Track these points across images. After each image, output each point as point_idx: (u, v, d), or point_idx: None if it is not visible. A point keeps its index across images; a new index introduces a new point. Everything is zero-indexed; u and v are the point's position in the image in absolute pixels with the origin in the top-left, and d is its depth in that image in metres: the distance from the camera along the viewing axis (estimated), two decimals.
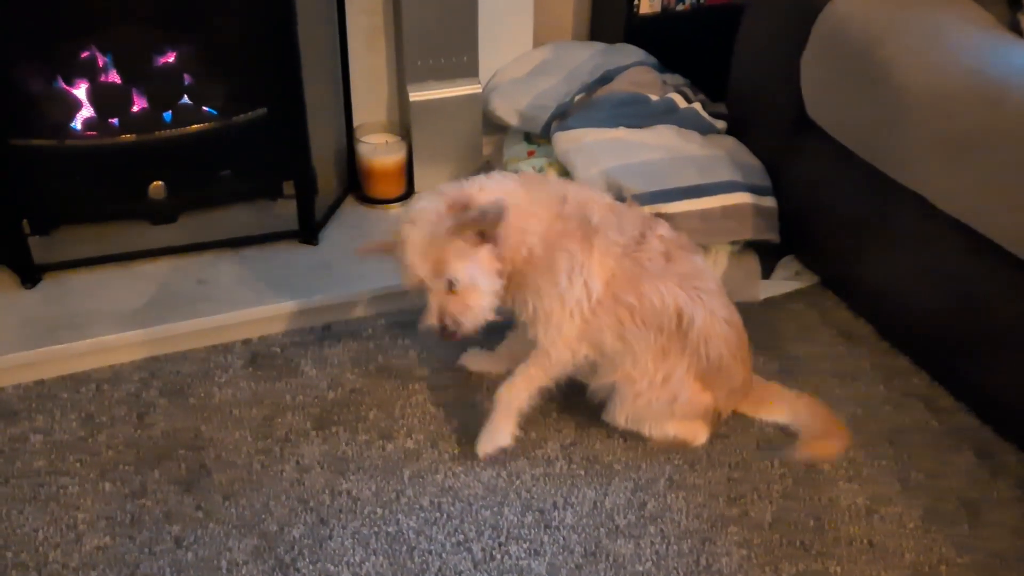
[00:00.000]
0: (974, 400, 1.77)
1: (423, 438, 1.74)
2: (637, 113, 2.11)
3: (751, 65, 2.14)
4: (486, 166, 2.40)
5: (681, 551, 1.53)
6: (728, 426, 1.76)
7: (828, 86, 1.90)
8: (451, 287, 1.52)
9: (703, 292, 1.61)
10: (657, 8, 2.40)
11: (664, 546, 1.54)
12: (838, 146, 1.91)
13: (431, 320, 1.55)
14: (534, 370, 1.64)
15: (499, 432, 1.67)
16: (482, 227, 1.50)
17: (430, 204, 1.55)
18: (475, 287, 1.53)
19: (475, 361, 1.88)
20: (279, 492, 1.63)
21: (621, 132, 2.06)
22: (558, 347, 1.60)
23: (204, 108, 2.11)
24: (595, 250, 1.57)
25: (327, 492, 1.63)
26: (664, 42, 2.38)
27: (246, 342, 1.96)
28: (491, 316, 1.56)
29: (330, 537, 1.55)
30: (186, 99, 2.10)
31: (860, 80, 1.79)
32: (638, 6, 2.38)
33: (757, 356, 1.85)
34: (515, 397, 1.65)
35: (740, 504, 1.62)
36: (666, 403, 1.62)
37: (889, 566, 1.51)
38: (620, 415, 1.66)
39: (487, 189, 1.58)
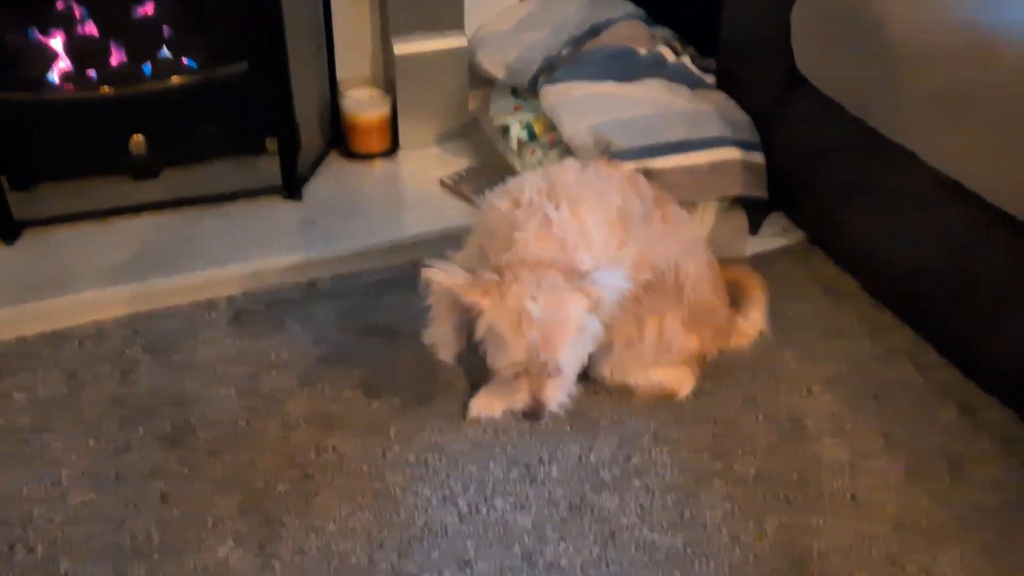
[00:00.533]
0: (958, 355, 1.78)
1: (409, 395, 1.74)
2: (626, 67, 2.09)
3: (741, 19, 2.11)
4: (473, 122, 2.38)
5: (665, 504, 1.54)
6: (712, 381, 1.77)
7: (818, 41, 1.87)
8: (555, 371, 1.42)
9: (687, 240, 1.60)
10: None
11: (649, 500, 1.55)
12: (828, 102, 1.89)
13: (526, 402, 1.44)
14: None
15: (493, 402, 1.67)
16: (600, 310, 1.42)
17: (551, 280, 1.38)
18: (571, 368, 1.47)
19: (486, 405, 1.69)
20: (264, 449, 1.63)
21: (609, 86, 2.04)
22: None
23: (184, 61, 2.08)
24: (630, 250, 1.52)
25: (313, 449, 1.63)
26: None
27: (230, 299, 1.95)
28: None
29: (316, 493, 1.55)
30: (165, 52, 2.06)
31: (851, 35, 1.77)
32: None
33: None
34: None
35: (724, 459, 1.63)
36: (659, 353, 1.62)
37: (871, 519, 1.52)
38: (608, 367, 1.66)
39: (569, 232, 1.42)
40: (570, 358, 1.43)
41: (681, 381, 1.71)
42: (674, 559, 1.46)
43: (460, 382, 1.73)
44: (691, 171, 1.93)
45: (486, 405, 1.68)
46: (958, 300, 1.72)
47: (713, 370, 1.78)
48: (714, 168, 1.95)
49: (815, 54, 1.89)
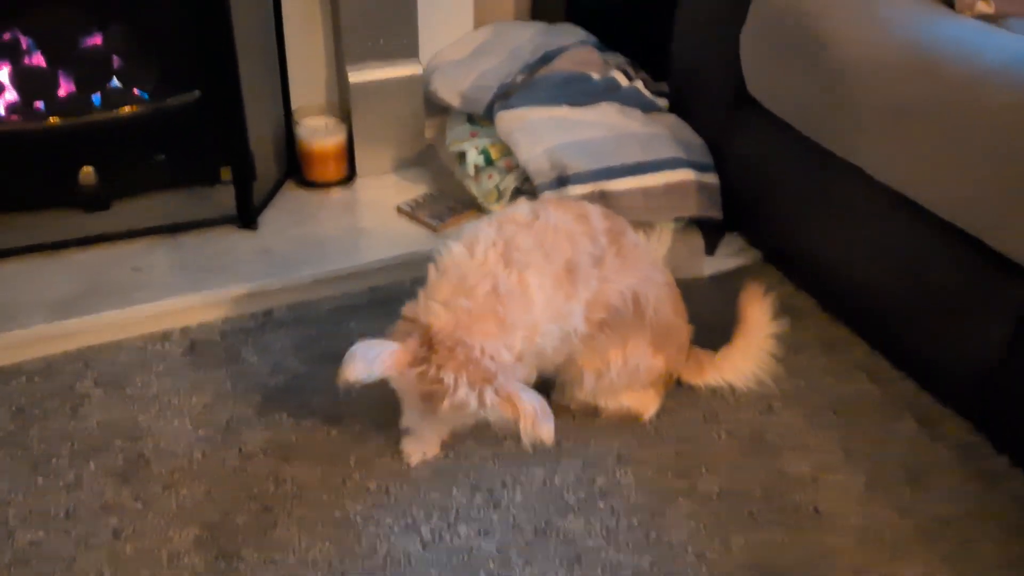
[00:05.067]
0: (914, 368, 1.80)
1: (369, 422, 1.71)
2: (580, 91, 2.11)
3: (691, 43, 2.15)
4: (429, 149, 2.38)
5: (631, 525, 1.53)
6: (675, 400, 1.77)
7: (767, 62, 1.91)
8: None
9: (644, 266, 1.61)
10: None
11: (614, 521, 1.54)
12: (778, 121, 1.93)
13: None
14: None
15: (429, 440, 1.65)
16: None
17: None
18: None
19: (423, 444, 1.66)
20: (221, 480, 1.59)
21: (564, 110, 2.05)
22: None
23: (135, 91, 2.05)
24: (577, 302, 1.52)
25: (271, 479, 1.60)
26: (604, 21, 2.38)
27: (185, 330, 1.91)
28: None
29: (275, 525, 1.52)
30: (115, 82, 2.04)
31: (798, 55, 1.81)
32: None
33: (703, 332, 1.86)
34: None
35: (689, 477, 1.62)
36: (627, 376, 1.62)
37: (835, 532, 1.52)
38: (580, 395, 1.66)
39: (511, 307, 1.44)
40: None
41: (646, 403, 1.71)
42: None
43: None
44: (646, 193, 1.95)
45: (421, 444, 1.64)
46: (911, 313, 1.75)
47: (674, 388, 1.78)
48: (669, 189, 1.97)
49: (764, 75, 1.93)
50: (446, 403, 1.39)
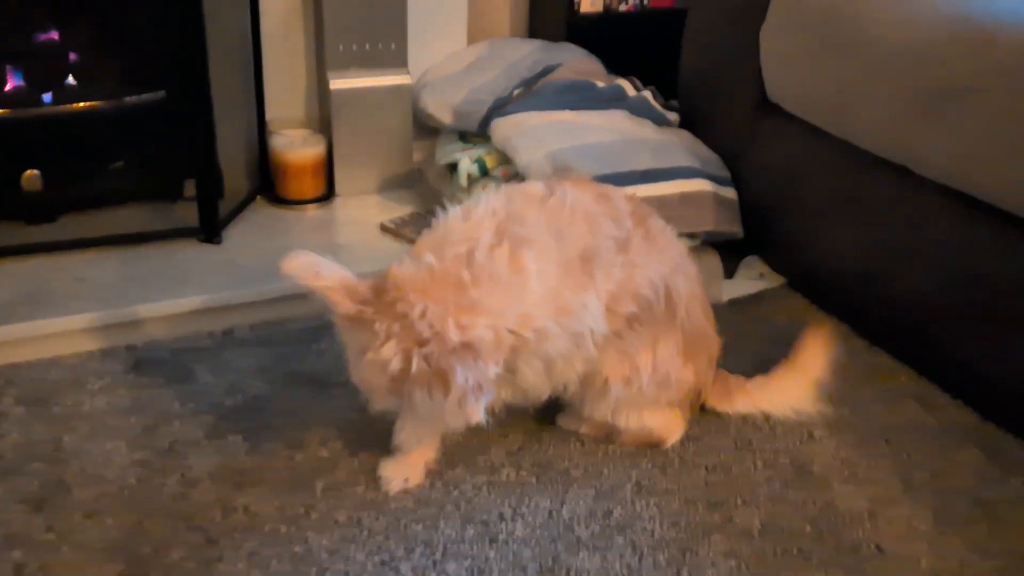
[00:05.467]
0: (973, 394, 1.56)
1: (340, 446, 1.45)
2: (584, 98, 1.93)
3: (703, 51, 1.99)
4: (417, 173, 2.18)
5: (657, 563, 1.26)
6: (699, 426, 1.52)
7: (792, 59, 1.74)
8: None
9: (675, 255, 1.39)
10: (599, 7, 2.26)
11: (636, 559, 1.26)
12: (804, 126, 1.75)
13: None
14: None
15: (413, 462, 1.39)
16: None
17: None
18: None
19: (406, 469, 1.41)
20: (156, 510, 1.31)
21: (567, 115, 1.87)
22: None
23: (91, 84, 1.85)
24: (592, 295, 1.28)
25: (218, 508, 1.31)
26: (607, 43, 2.22)
27: (131, 347, 1.65)
28: None
29: (220, 559, 1.23)
30: (71, 80, 1.84)
31: (830, 45, 1.64)
32: (579, 4, 2.23)
33: (726, 359, 1.63)
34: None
35: (722, 510, 1.35)
36: (656, 387, 1.38)
37: (904, 573, 1.26)
38: (600, 410, 1.41)
39: (480, 285, 1.20)
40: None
41: (671, 426, 1.46)
42: None
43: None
44: (661, 202, 1.74)
45: (403, 469, 1.39)
46: (971, 329, 1.52)
47: (698, 412, 1.53)
48: (685, 200, 1.77)
49: (788, 75, 1.76)
50: (369, 355, 1.16)
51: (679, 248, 1.43)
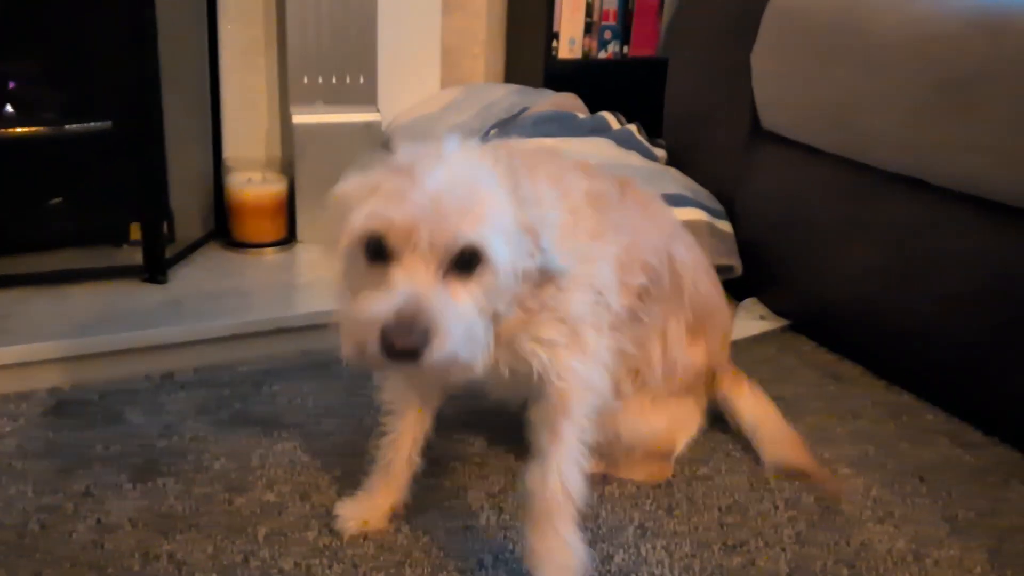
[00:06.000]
0: (1010, 426, 1.39)
1: (289, 490, 1.23)
2: (564, 127, 1.81)
3: (690, 84, 1.89)
4: None
5: None
6: (708, 465, 1.32)
7: (786, 76, 1.64)
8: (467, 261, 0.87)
9: (668, 221, 1.22)
10: (578, 54, 2.17)
11: None
12: (801, 150, 1.63)
13: (388, 310, 0.83)
14: (570, 431, 1.00)
15: (574, 551, 1.01)
16: None
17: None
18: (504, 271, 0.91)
19: (364, 510, 1.15)
20: (62, 558, 1.08)
21: (548, 141, 1.74)
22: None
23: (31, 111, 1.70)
24: (610, 246, 1.05)
25: (137, 555, 1.08)
26: (586, 90, 2.12)
27: (53, 390, 1.44)
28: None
29: None
30: (9, 108, 1.69)
31: (826, 55, 1.54)
32: (557, 50, 2.15)
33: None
34: (570, 486, 1.00)
35: (742, 552, 1.14)
36: (665, 376, 1.18)
37: None
38: (622, 423, 1.18)
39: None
40: (500, 248, 0.86)
41: (683, 425, 1.25)
42: None
43: (362, 470, 1.23)
44: None
45: (363, 510, 1.15)
46: (1004, 353, 1.36)
47: (707, 450, 1.34)
48: None
49: (783, 93, 1.65)
50: None
51: (671, 215, 1.26)
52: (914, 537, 1.19)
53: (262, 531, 1.15)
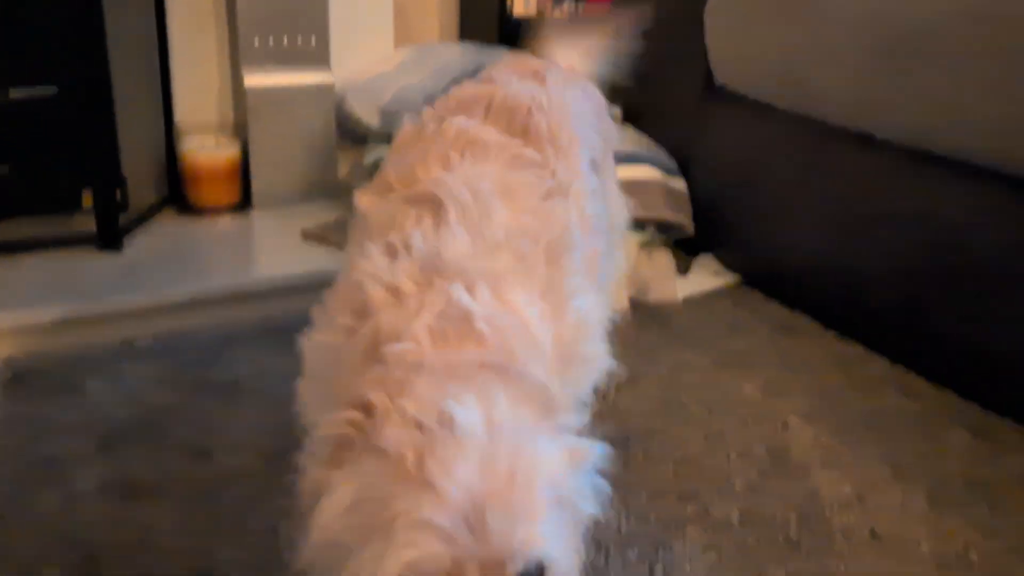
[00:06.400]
0: (953, 375, 1.44)
1: (254, 455, 1.25)
2: None
3: (643, 44, 1.89)
4: (344, 186, 2.02)
5: (627, 560, 1.08)
6: (663, 419, 1.36)
7: (740, 31, 1.66)
8: None
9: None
10: (532, 11, 2.17)
11: (602, 558, 1.09)
12: (755, 107, 1.66)
13: None
14: None
15: None
16: None
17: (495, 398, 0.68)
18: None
19: None
20: (28, 527, 1.09)
21: None
22: None
23: None
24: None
25: (107, 523, 1.10)
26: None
27: (8, 360, 1.43)
28: None
29: None
30: None
31: (778, 10, 1.57)
32: (511, 7, 2.14)
33: (685, 352, 1.50)
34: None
35: (696, 501, 1.19)
36: None
37: (904, 557, 1.10)
38: None
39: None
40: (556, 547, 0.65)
41: None
42: None
43: None
44: None
45: None
46: (947, 304, 1.41)
47: (662, 404, 1.38)
48: (634, 186, 1.65)
49: (737, 47, 1.67)
50: None
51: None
52: (859, 482, 1.24)
53: (228, 496, 1.17)
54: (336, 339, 0.78)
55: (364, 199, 0.92)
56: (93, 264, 1.63)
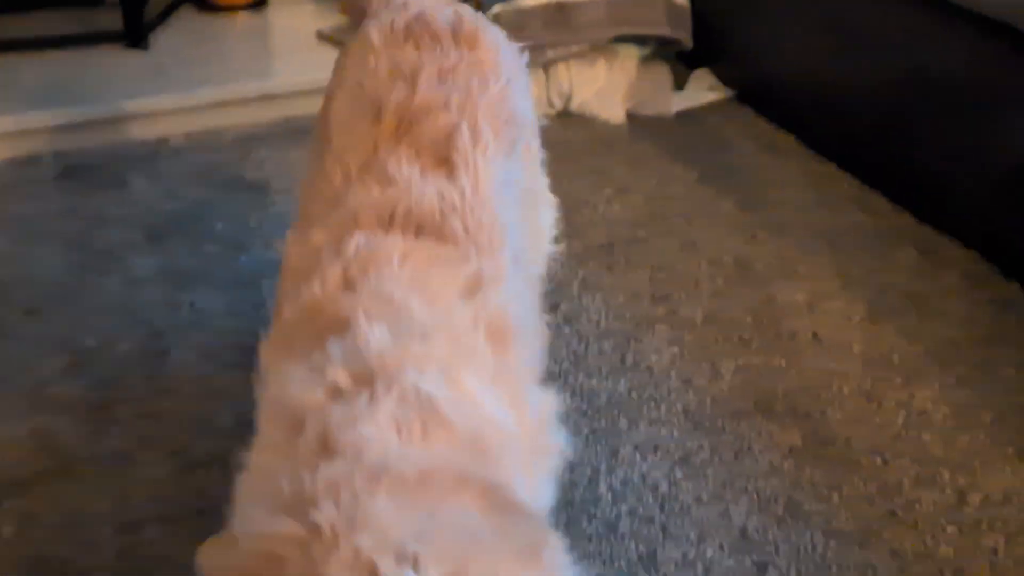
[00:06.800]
0: (911, 198, 1.59)
1: None
2: None
3: None
4: None
5: (603, 350, 1.29)
6: (644, 228, 1.53)
7: None
8: None
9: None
10: None
11: (582, 346, 1.29)
12: None
13: None
14: None
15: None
16: None
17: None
18: None
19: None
20: (100, 307, 1.29)
21: None
22: None
23: None
24: None
25: (164, 305, 1.30)
26: None
27: (59, 154, 1.59)
28: None
29: (167, 351, 1.22)
30: None
31: None
32: None
33: (673, 166, 1.64)
34: None
35: (667, 303, 1.39)
36: None
37: (838, 357, 1.31)
38: None
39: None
40: None
41: None
42: (618, 403, 1.20)
43: None
44: (611, 3, 1.69)
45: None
46: (910, 129, 1.54)
47: (647, 215, 1.55)
48: (637, 1, 1.72)
49: None
50: None
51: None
52: (811, 291, 1.43)
53: (266, 284, 1.36)
54: (274, 458, 0.60)
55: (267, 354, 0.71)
56: (123, 62, 1.73)
